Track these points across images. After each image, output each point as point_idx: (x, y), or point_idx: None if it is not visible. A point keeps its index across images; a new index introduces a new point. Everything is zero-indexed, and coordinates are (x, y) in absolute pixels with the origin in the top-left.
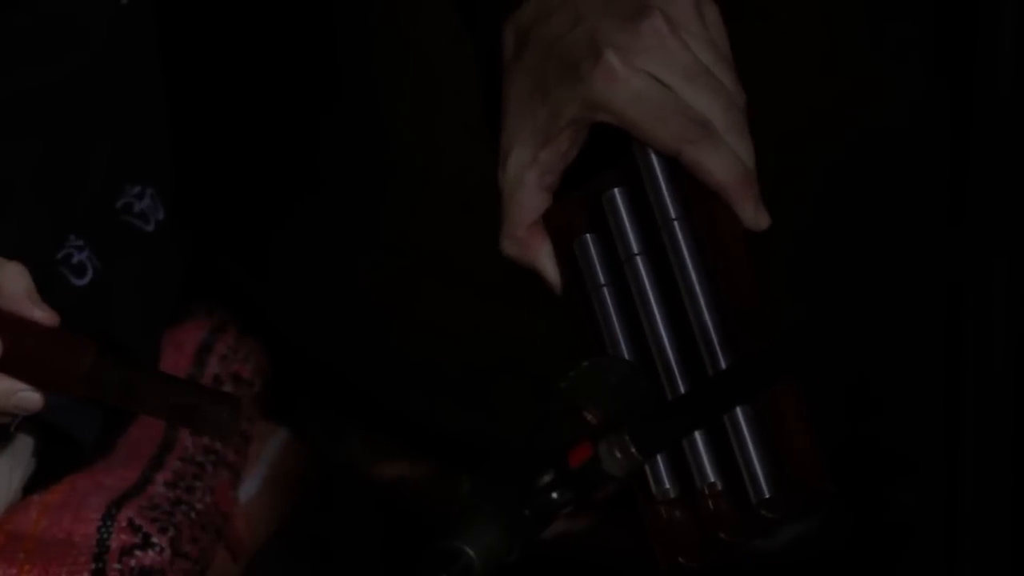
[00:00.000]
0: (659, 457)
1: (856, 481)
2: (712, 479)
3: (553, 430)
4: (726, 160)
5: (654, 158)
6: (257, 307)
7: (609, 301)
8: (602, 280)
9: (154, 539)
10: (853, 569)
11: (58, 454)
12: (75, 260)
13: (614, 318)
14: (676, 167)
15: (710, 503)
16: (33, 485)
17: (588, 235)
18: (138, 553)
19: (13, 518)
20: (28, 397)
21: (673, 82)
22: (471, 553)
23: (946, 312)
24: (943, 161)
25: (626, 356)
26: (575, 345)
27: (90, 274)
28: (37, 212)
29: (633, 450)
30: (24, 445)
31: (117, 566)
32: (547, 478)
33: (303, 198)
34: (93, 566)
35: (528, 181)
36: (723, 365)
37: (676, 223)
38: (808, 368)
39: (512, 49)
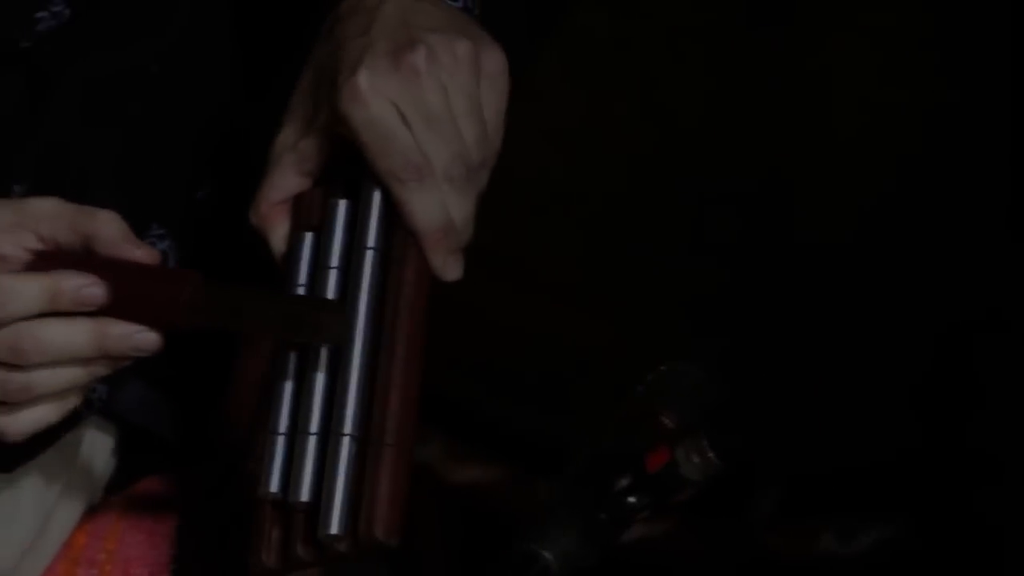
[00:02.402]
0: (275, 460)
1: (937, 486)
2: (305, 498)
3: (630, 435)
4: (429, 207)
5: (374, 185)
6: None
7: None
8: (300, 281)
9: None
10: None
11: (138, 456)
12: (157, 249)
13: None
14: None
15: (301, 518)
16: (113, 487)
17: (308, 234)
18: None
19: (94, 519)
20: (145, 338)
21: (411, 119)
22: (548, 557)
23: None
24: (1005, 173)
25: (289, 363)
26: (652, 349)
27: (172, 264)
28: (117, 200)
29: (711, 454)
30: (104, 447)
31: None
32: (624, 482)
33: None
34: (174, 566)
35: (285, 163)
36: (351, 403)
37: (369, 252)
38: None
39: (322, 38)
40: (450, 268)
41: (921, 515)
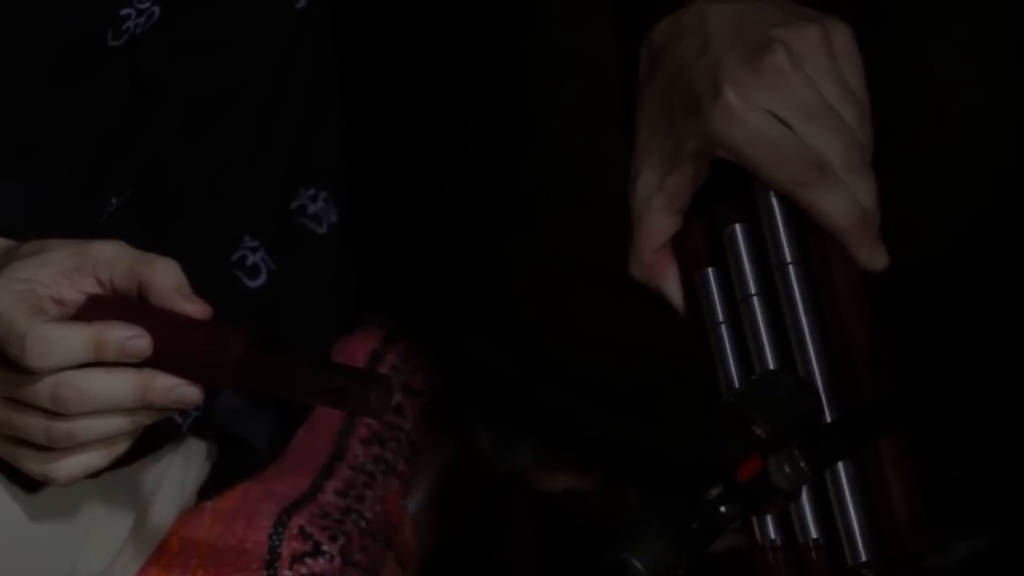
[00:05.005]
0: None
1: None
2: (815, 535)
3: (722, 444)
4: (841, 203)
5: (772, 198)
6: (425, 318)
7: (725, 338)
8: (719, 318)
9: (324, 547)
10: None
11: (231, 461)
12: (249, 262)
13: (729, 356)
14: (795, 207)
15: (813, 555)
16: (206, 492)
17: (709, 269)
18: (309, 561)
19: (187, 524)
20: (187, 392)
21: (792, 121)
22: (639, 565)
23: None
24: None
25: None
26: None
27: (264, 275)
28: (212, 212)
29: (802, 464)
30: (198, 452)
31: (288, 573)
32: (715, 492)
33: (470, 208)
34: (265, 573)
35: (655, 206)
36: (827, 415)
37: (790, 267)
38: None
39: (645, 70)
40: (877, 257)
41: (1017, 526)
